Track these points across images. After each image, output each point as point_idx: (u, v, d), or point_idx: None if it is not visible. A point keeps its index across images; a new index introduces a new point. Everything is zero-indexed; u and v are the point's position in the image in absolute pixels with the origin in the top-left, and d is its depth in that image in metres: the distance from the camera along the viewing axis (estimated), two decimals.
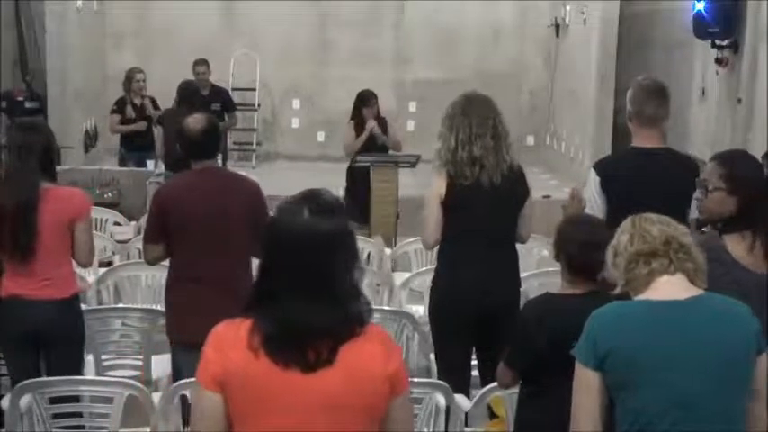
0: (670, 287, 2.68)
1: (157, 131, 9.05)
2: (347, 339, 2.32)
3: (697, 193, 3.60)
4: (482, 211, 4.49)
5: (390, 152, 8.79)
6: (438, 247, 4.68)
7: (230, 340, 2.34)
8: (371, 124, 8.59)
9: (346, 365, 2.32)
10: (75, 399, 4.08)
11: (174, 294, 4.54)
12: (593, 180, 4.35)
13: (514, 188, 4.56)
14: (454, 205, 4.50)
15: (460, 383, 4.35)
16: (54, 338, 4.38)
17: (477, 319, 4.48)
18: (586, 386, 2.66)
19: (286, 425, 2.32)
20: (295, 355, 2.30)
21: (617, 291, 2.80)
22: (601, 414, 2.65)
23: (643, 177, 4.28)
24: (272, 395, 2.32)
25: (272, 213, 2.46)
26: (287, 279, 2.32)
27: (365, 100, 8.68)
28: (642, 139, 4.40)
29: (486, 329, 4.47)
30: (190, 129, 4.49)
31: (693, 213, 4.43)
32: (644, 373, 2.60)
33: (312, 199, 2.37)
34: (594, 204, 4.29)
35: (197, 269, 4.40)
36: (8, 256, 4.35)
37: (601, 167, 4.44)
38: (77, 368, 4.52)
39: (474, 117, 4.53)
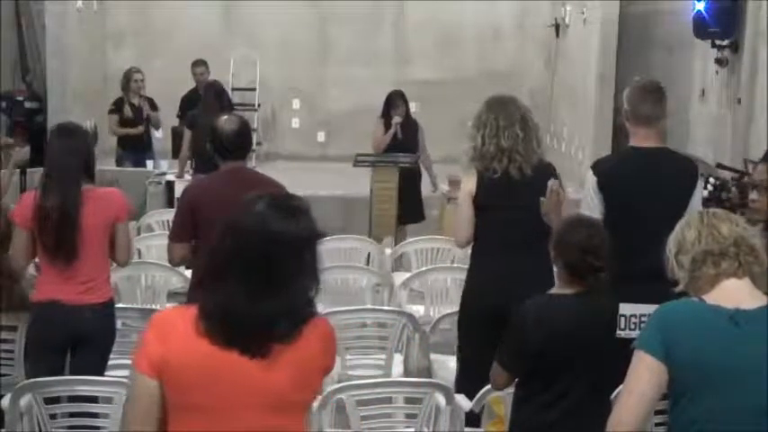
0: (737, 292, 2.63)
1: (185, 134, 8.92)
2: (283, 337, 2.33)
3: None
4: (512, 207, 4.48)
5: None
6: (471, 245, 4.68)
7: (173, 325, 2.35)
8: (398, 120, 8.62)
9: (289, 363, 2.33)
10: (76, 399, 4.08)
11: (198, 293, 4.54)
12: (591, 180, 4.35)
13: (546, 180, 4.45)
14: (486, 202, 4.50)
15: (479, 384, 4.33)
16: (90, 343, 4.39)
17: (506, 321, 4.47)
18: (648, 373, 2.59)
19: (224, 419, 2.31)
20: (229, 342, 2.30)
21: (679, 288, 2.73)
22: (651, 404, 2.62)
23: (641, 177, 4.28)
24: (211, 381, 2.31)
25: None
26: (229, 267, 2.33)
27: (391, 101, 8.75)
28: (640, 139, 4.40)
29: None
30: (223, 129, 4.50)
31: (694, 210, 4.43)
32: (710, 383, 2.55)
33: (275, 198, 2.41)
34: (592, 204, 4.29)
35: None
36: (49, 259, 4.33)
37: (598, 167, 4.44)
38: (101, 371, 4.50)
39: (501, 111, 4.56)
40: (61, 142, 4.39)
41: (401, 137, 8.62)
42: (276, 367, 2.32)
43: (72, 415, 4.02)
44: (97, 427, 4.04)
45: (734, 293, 2.63)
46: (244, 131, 4.56)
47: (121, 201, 4.49)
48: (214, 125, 4.56)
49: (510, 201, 4.48)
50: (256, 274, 2.32)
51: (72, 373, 4.32)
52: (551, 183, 4.27)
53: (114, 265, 4.70)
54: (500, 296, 4.41)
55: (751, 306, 2.61)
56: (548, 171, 4.58)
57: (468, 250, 4.85)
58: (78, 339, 4.38)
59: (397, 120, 8.62)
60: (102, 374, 4.45)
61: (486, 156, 4.50)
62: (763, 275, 2.67)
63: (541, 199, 4.23)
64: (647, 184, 4.29)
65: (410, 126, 8.76)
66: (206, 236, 4.42)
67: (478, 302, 4.59)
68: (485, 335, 4.52)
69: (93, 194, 4.35)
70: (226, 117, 4.64)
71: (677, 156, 4.61)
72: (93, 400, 4.10)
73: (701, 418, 2.57)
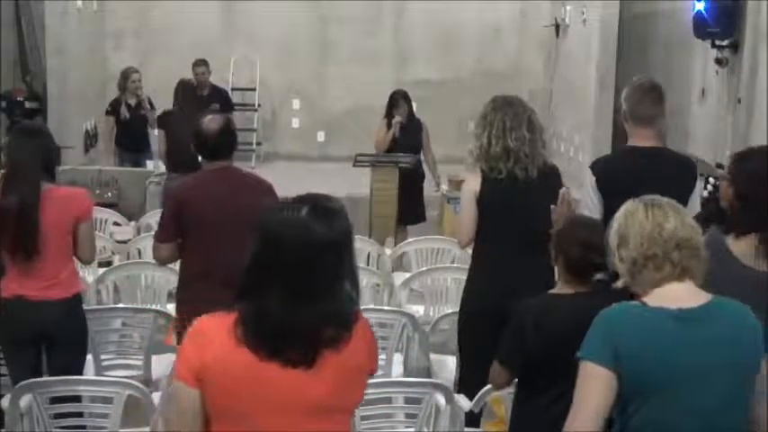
0: (681, 293, 2.61)
1: (157, 133, 9.02)
2: (329, 344, 2.30)
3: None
4: (516, 207, 4.47)
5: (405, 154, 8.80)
6: (473, 244, 4.67)
7: (211, 334, 2.32)
8: (398, 119, 8.64)
9: (331, 369, 2.30)
10: (76, 399, 4.08)
11: (186, 292, 4.56)
12: (590, 179, 4.36)
13: (549, 184, 4.48)
14: (489, 202, 4.49)
15: (480, 384, 4.33)
16: (58, 338, 4.40)
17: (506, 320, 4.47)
18: (598, 384, 2.55)
19: (265, 425, 2.29)
20: (273, 352, 2.27)
21: (619, 284, 2.69)
22: (605, 414, 2.58)
23: (640, 176, 4.27)
24: (252, 391, 2.28)
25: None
26: (275, 276, 2.30)
27: (393, 101, 8.75)
28: (638, 139, 4.40)
29: None
30: (206, 129, 4.50)
31: (695, 210, 4.44)
32: (659, 385, 2.54)
33: (312, 200, 2.36)
34: (591, 204, 4.29)
35: (210, 267, 4.41)
36: (12, 257, 4.36)
37: (597, 167, 4.44)
38: (79, 368, 4.53)
39: (508, 112, 4.54)
40: (21, 142, 4.41)
41: (399, 137, 8.62)
42: (320, 374, 2.29)
43: (71, 415, 4.02)
44: (97, 427, 4.05)
45: (679, 295, 2.60)
46: (227, 130, 4.55)
47: (84, 200, 4.50)
48: (197, 126, 4.57)
49: (514, 201, 4.47)
50: (301, 281, 2.28)
51: (50, 374, 4.34)
52: (563, 191, 4.26)
53: (113, 263, 4.71)
54: (501, 296, 4.40)
55: (692, 305, 2.60)
56: (552, 173, 4.58)
57: (469, 250, 4.85)
58: (46, 336, 4.39)
59: (397, 119, 8.62)
60: (80, 371, 4.47)
61: (493, 156, 4.49)
62: (700, 269, 2.65)
63: (552, 206, 4.23)
64: (646, 183, 4.27)
65: (413, 126, 8.75)
66: (193, 235, 4.44)
67: (479, 302, 4.59)
68: (484, 335, 4.52)
69: (55, 194, 4.36)
70: (209, 117, 4.62)
71: (676, 155, 4.61)
72: (93, 400, 4.10)
73: (652, 421, 2.55)
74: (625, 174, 4.26)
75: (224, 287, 4.31)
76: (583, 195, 4.43)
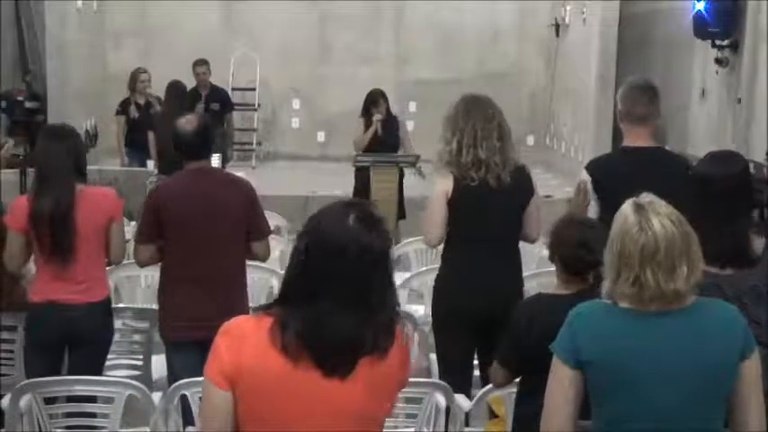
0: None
1: (150, 135, 9.10)
2: (370, 353, 2.28)
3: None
4: (488, 212, 4.46)
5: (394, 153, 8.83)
6: (442, 247, 4.67)
7: (247, 336, 2.27)
8: (378, 117, 8.64)
9: (365, 379, 2.27)
10: (76, 399, 4.08)
11: (167, 295, 4.54)
12: (585, 179, 4.37)
13: (520, 187, 4.51)
14: (461, 206, 4.48)
15: (461, 384, 4.34)
16: (86, 341, 4.38)
17: (478, 321, 4.47)
18: (563, 384, 2.57)
19: (299, 430, 2.27)
20: (316, 360, 2.24)
21: (604, 290, 2.63)
22: (574, 415, 2.58)
23: (635, 176, 4.27)
24: (287, 397, 2.25)
25: (314, 215, 2.37)
26: (325, 283, 2.25)
27: (373, 99, 8.75)
28: (633, 138, 4.42)
29: (487, 331, 4.46)
30: (182, 130, 4.50)
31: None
32: (623, 384, 2.53)
33: (358, 208, 2.33)
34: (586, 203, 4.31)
35: (191, 269, 4.40)
36: (46, 260, 4.33)
37: (592, 167, 4.46)
38: (99, 370, 4.50)
39: (479, 119, 4.49)
40: (51, 144, 4.39)
41: (382, 134, 8.65)
42: (354, 382, 2.27)
43: (71, 415, 4.02)
44: (96, 427, 4.05)
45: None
46: (203, 130, 4.52)
47: (116, 200, 4.49)
48: (174, 126, 4.57)
49: (486, 206, 4.46)
50: (350, 290, 2.25)
51: (70, 373, 4.32)
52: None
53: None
54: (471, 297, 4.43)
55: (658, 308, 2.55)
56: (523, 175, 4.54)
57: None
58: (75, 339, 4.38)
59: (378, 117, 8.64)
60: (100, 374, 4.45)
61: (464, 165, 4.46)
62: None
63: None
64: (641, 183, 4.27)
65: (391, 123, 8.80)
66: (172, 236, 4.42)
67: (447, 302, 4.59)
68: (455, 334, 4.55)
69: (87, 194, 4.36)
70: (185, 117, 4.61)
71: (672, 155, 4.62)
72: (93, 400, 4.10)
73: (619, 419, 2.54)
74: (620, 173, 4.25)
75: (205, 289, 4.38)
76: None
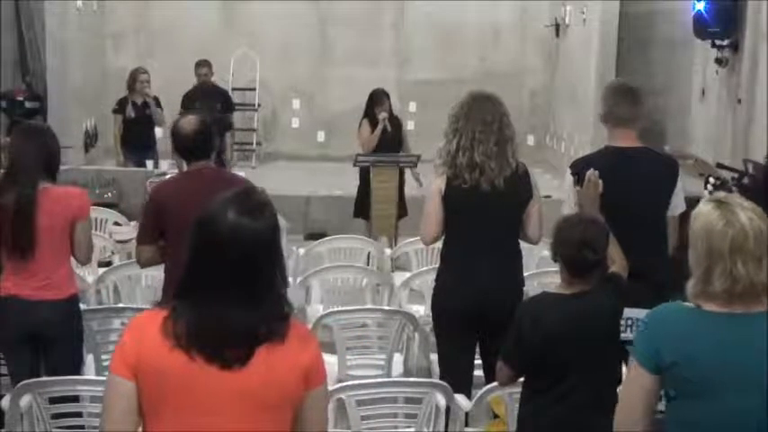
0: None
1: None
2: (265, 341, 2.30)
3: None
4: (481, 214, 4.46)
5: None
6: (442, 247, 4.68)
7: (148, 329, 2.31)
8: (384, 115, 8.65)
9: (263, 364, 2.29)
10: (76, 399, 4.08)
11: (167, 295, 4.54)
12: (569, 179, 4.38)
13: (517, 189, 4.50)
14: (453, 206, 4.49)
15: (461, 384, 4.34)
16: (53, 339, 4.41)
17: (477, 321, 4.47)
18: (640, 387, 2.59)
19: (200, 423, 2.29)
20: (210, 354, 2.27)
21: (689, 291, 2.59)
22: (648, 416, 2.61)
23: (618, 176, 4.29)
24: (186, 390, 2.28)
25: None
26: (208, 277, 2.31)
27: (377, 99, 8.76)
28: (617, 139, 4.47)
29: (487, 331, 4.46)
30: (182, 130, 4.51)
31: (679, 209, 4.45)
32: (704, 388, 2.53)
33: (241, 198, 2.36)
34: (571, 203, 4.31)
35: None
36: (8, 256, 4.38)
37: (577, 167, 4.47)
38: (77, 368, 4.53)
39: (478, 122, 4.48)
40: (21, 142, 4.45)
41: (390, 132, 8.68)
42: (252, 370, 2.29)
43: (71, 415, 4.02)
44: (96, 427, 4.04)
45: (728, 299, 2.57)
46: (202, 131, 4.53)
47: (82, 200, 4.51)
48: (174, 127, 4.58)
49: (477, 208, 4.46)
50: (235, 282, 2.29)
51: (46, 374, 4.34)
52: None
53: (112, 264, 4.71)
54: (470, 297, 4.44)
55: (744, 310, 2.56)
56: (522, 177, 4.53)
57: None
58: (41, 336, 4.40)
59: (383, 115, 8.65)
60: (77, 372, 4.46)
61: (459, 167, 4.46)
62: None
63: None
64: (626, 183, 4.31)
65: (394, 123, 8.82)
66: (173, 237, 4.42)
67: (443, 302, 4.59)
68: (454, 334, 4.55)
69: (52, 193, 4.37)
70: (185, 118, 4.63)
71: (657, 154, 4.64)
72: (93, 400, 4.10)
73: (698, 422, 2.55)
74: (605, 173, 4.25)
75: None
76: (565, 195, 4.45)
